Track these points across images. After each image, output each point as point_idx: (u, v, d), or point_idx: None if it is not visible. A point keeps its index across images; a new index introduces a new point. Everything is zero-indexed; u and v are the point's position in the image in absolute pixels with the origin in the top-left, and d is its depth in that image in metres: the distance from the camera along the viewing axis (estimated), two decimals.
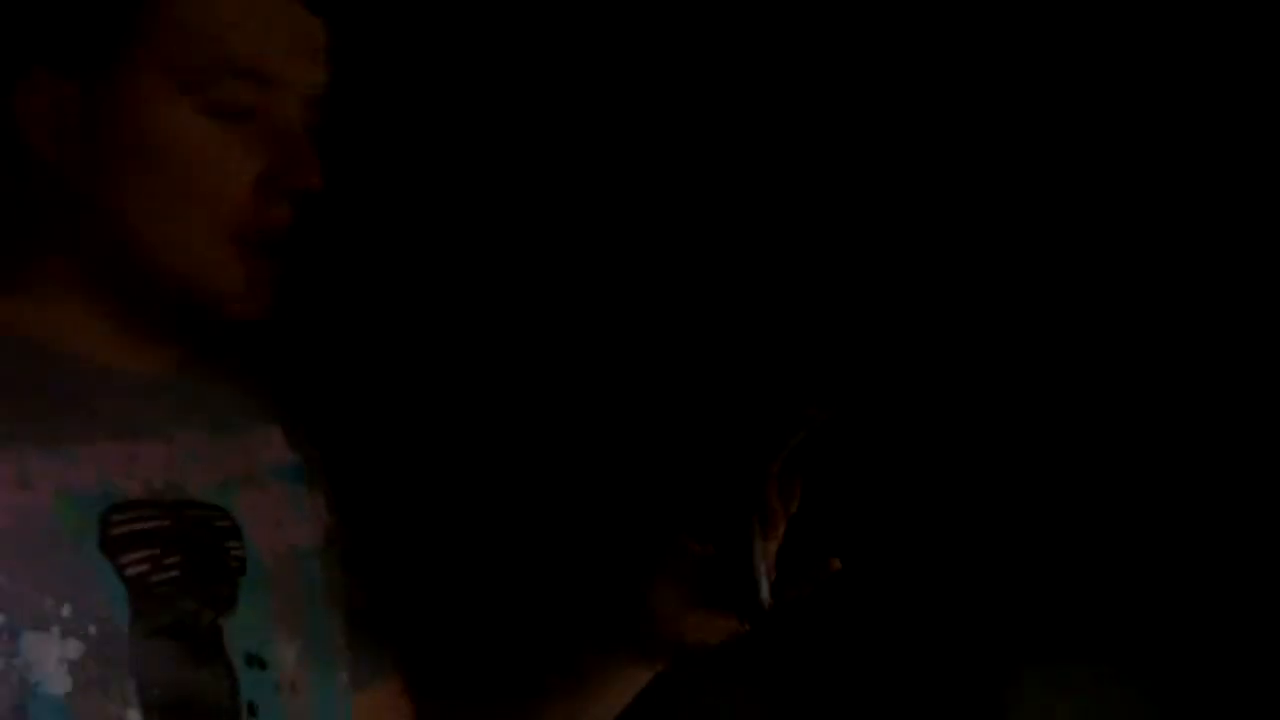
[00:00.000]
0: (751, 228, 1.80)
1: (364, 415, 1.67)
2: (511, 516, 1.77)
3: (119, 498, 1.02)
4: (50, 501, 0.98)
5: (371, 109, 1.62)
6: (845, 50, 1.79)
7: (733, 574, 1.13)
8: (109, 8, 1.03)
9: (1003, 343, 1.78)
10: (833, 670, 1.79)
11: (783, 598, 1.13)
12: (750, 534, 1.12)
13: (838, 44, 1.79)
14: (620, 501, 1.72)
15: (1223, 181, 1.75)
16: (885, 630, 1.79)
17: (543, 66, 1.82)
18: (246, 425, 1.17)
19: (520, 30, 1.81)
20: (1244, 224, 1.76)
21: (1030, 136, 1.78)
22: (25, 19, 1.04)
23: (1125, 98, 1.76)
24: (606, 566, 1.39)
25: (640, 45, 1.81)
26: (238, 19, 1.03)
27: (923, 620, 1.80)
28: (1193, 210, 1.76)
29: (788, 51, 1.80)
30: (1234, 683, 1.75)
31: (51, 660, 0.95)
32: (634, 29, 1.81)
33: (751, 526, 1.12)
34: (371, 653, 1.19)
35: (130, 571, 1.00)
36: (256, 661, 1.06)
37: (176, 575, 1.03)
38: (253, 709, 1.05)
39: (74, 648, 0.96)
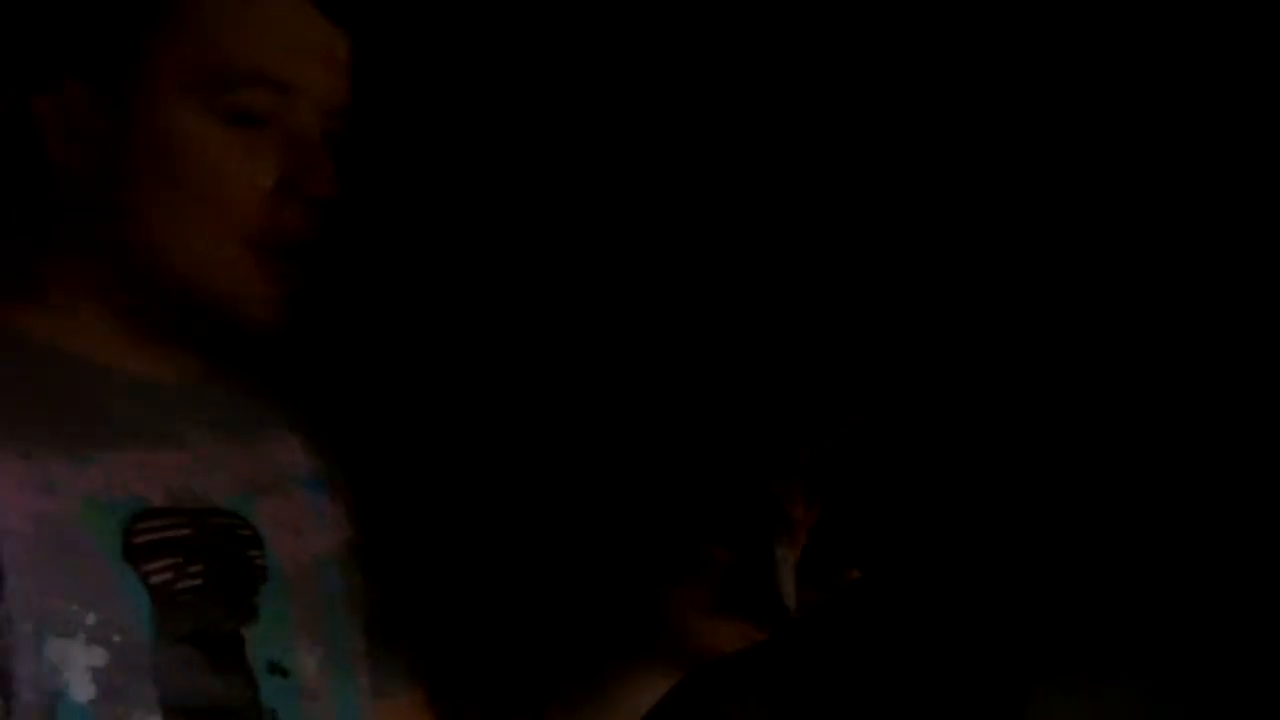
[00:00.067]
0: (781, 237, 1.80)
1: (384, 423, 1.68)
2: (531, 524, 1.77)
3: (142, 506, 1.02)
4: (75, 509, 0.99)
5: (390, 118, 1.62)
6: (869, 56, 1.79)
7: (755, 582, 1.13)
8: (126, 17, 1.04)
9: (1019, 360, 1.78)
10: (847, 679, 1.79)
11: (803, 606, 1.13)
12: (772, 543, 1.12)
13: (858, 49, 1.79)
14: (639, 508, 1.72)
15: (1224, 182, 1.75)
16: (901, 640, 1.79)
17: (562, 80, 1.82)
18: (267, 434, 1.18)
19: (538, 42, 1.81)
20: (1247, 226, 1.75)
21: (1053, 148, 1.78)
22: (44, 28, 1.05)
23: (1130, 102, 1.76)
24: (625, 573, 1.39)
25: (657, 58, 1.81)
26: (254, 27, 1.04)
27: (939, 631, 1.80)
28: (1200, 216, 1.76)
29: (810, 58, 1.80)
30: (1253, 695, 1.74)
31: (76, 667, 0.96)
32: (649, 40, 1.81)
33: (773, 535, 1.12)
34: (392, 661, 1.20)
35: (154, 579, 1.01)
36: (278, 669, 1.06)
37: (199, 583, 1.03)
38: (274, 717, 1.05)
39: (98, 655, 0.97)
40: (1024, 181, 1.79)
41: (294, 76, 1.05)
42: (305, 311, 1.10)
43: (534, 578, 1.75)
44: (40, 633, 0.95)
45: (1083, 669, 1.79)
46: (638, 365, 1.79)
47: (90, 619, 0.97)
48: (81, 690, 0.96)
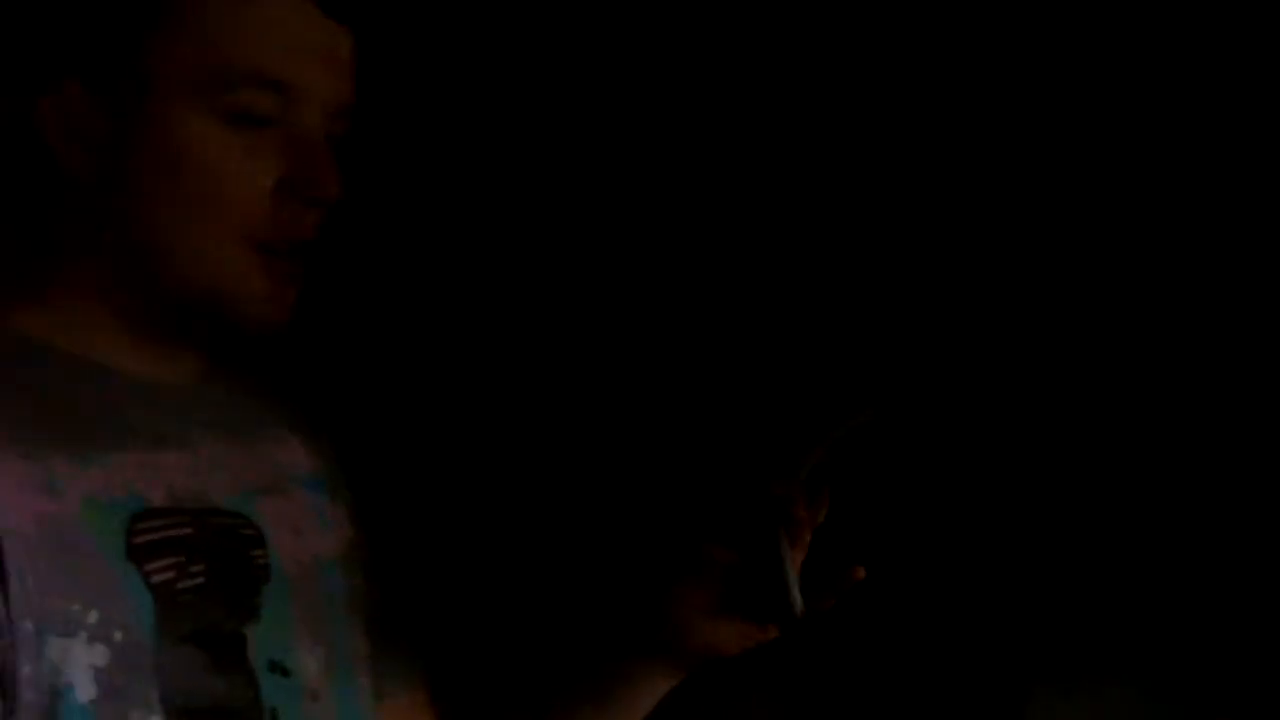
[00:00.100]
0: (789, 240, 1.80)
1: (386, 423, 1.68)
2: (534, 524, 1.77)
3: (143, 506, 1.02)
4: (78, 509, 0.99)
5: (393, 118, 1.62)
6: (877, 60, 1.79)
7: (761, 583, 1.13)
8: (127, 18, 1.04)
9: (1022, 361, 1.78)
10: (848, 679, 1.79)
11: (809, 607, 1.13)
12: (777, 544, 1.12)
13: (863, 52, 1.80)
14: (642, 508, 1.72)
15: (1225, 183, 1.75)
16: (902, 641, 1.79)
17: (566, 82, 1.82)
18: (269, 434, 1.18)
19: (541, 43, 1.81)
20: (1249, 227, 1.75)
21: (1057, 150, 1.78)
22: (47, 32, 1.05)
23: (1130, 102, 1.76)
24: (628, 573, 1.39)
25: (662, 60, 1.81)
26: (255, 27, 1.04)
27: (940, 631, 1.80)
28: (1201, 216, 1.76)
29: (819, 63, 1.80)
30: (1254, 697, 1.74)
31: (78, 667, 0.96)
32: (654, 41, 1.81)
33: (777, 536, 1.12)
34: (394, 662, 1.20)
35: (155, 579, 1.00)
36: (279, 669, 1.06)
37: (201, 583, 1.03)
38: (275, 717, 1.05)
39: (100, 654, 0.96)
40: (1027, 184, 1.79)
41: (295, 77, 1.05)
42: (307, 312, 1.10)
43: (536, 578, 1.75)
44: (42, 632, 0.95)
45: (1082, 669, 1.79)
46: (643, 364, 1.79)
47: (92, 618, 0.97)
48: (83, 690, 0.96)
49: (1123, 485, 1.78)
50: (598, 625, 1.24)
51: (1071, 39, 1.76)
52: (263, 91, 1.04)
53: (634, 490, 1.75)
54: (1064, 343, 1.80)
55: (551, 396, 1.81)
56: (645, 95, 1.82)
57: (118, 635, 0.97)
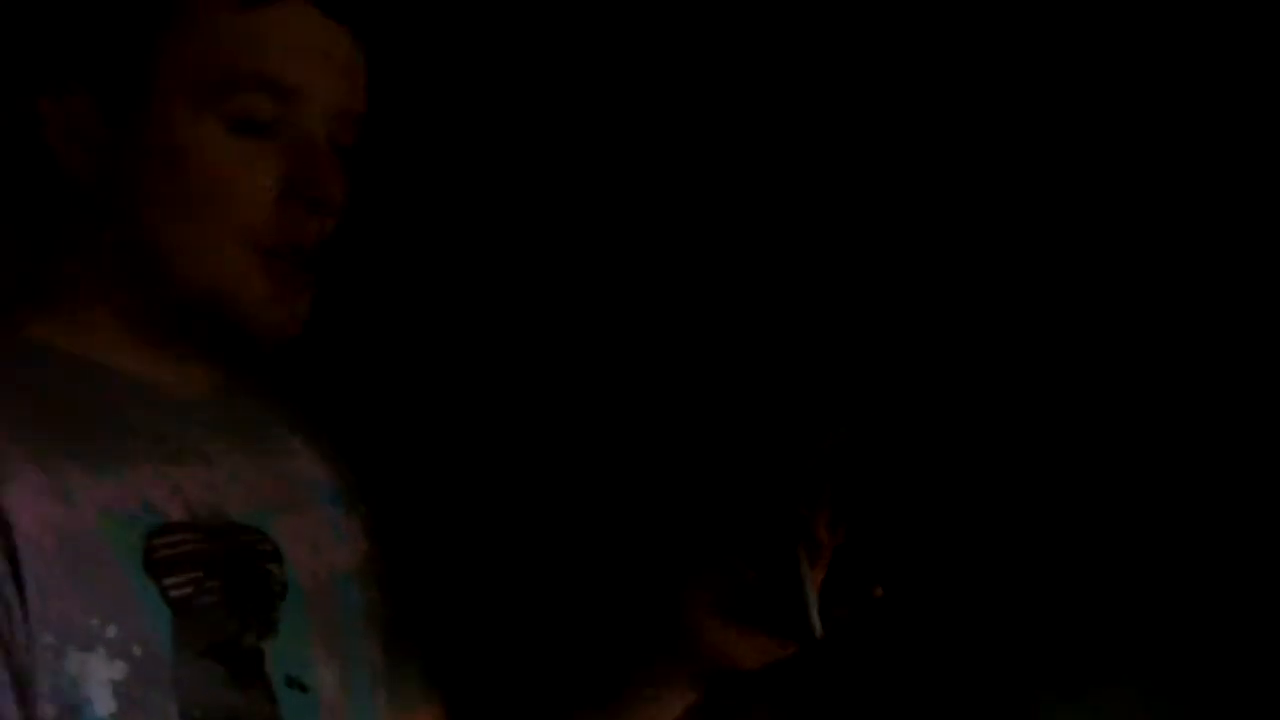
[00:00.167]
0: (803, 252, 1.80)
1: (402, 438, 1.67)
2: (550, 537, 1.77)
3: (161, 519, 1.02)
4: (94, 521, 0.99)
5: (405, 126, 1.62)
6: (878, 67, 1.79)
7: (779, 600, 1.13)
8: (131, 23, 1.04)
9: (1026, 374, 1.78)
10: (853, 688, 1.79)
11: (827, 625, 1.13)
12: (797, 562, 1.12)
13: (867, 59, 1.79)
14: (661, 522, 1.72)
15: (1225, 183, 1.75)
16: (907, 650, 1.79)
17: (577, 91, 1.82)
18: (285, 448, 1.18)
19: (548, 51, 1.81)
20: (1248, 227, 1.75)
21: (1067, 160, 1.78)
22: (50, 38, 1.05)
23: (1131, 102, 1.76)
24: (647, 587, 1.39)
25: (670, 71, 1.81)
26: (258, 33, 1.04)
27: (945, 640, 1.80)
28: (1201, 216, 1.76)
29: (820, 67, 1.80)
30: (1257, 702, 1.74)
31: (97, 680, 0.96)
32: (662, 52, 1.81)
33: (798, 555, 1.12)
34: (410, 675, 1.20)
35: (174, 593, 1.00)
36: (297, 684, 1.06)
37: (219, 598, 1.03)
38: None
39: (119, 668, 0.96)
40: (1033, 195, 1.78)
41: (297, 81, 1.05)
42: (321, 325, 1.10)
43: (553, 591, 1.75)
44: (61, 646, 0.95)
45: (1086, 676, 1.79)
46: (665, 377, 1.79)
47: (111, 632, 0.97)
48: (102, 704, 0.96)
49: (1125, 492, 1.78)
50: (615, 638, 1.23)
51: (1062, 34, 1.76)
52: (264, 95, 1.03)
53: (654, 503, 1.75)
54: (1068, 353, 1.80)
55: (570, 408, 1.80)
56: (659, 107, 1.82)
57: (136, 649, 0.97)
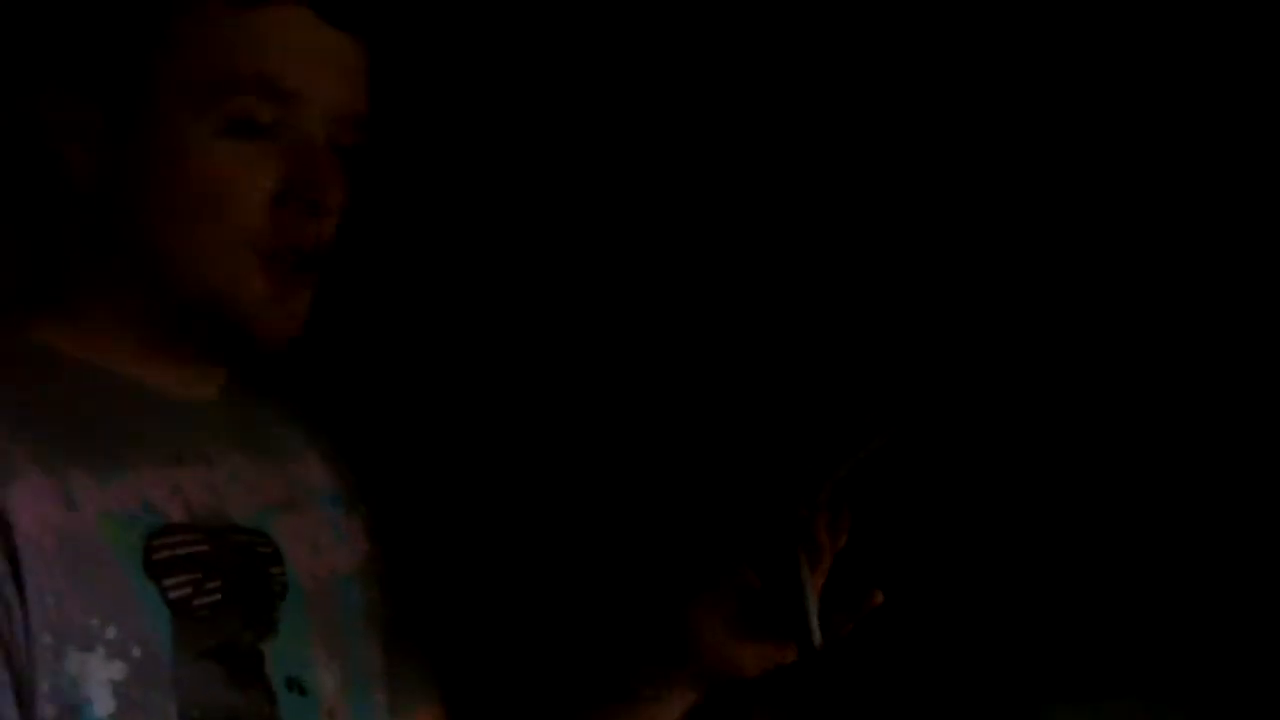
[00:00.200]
0: (816, 262, 1.80)
1: (403, 439, 1.67)
2: (553, 541, 1.77)
3: (161, 520, 1.02)
4: (95, 523, 0.99)
5: (405, 126, 1.62)
6: (889, 75, 1.79)
7: (780, 605, 1.13)
8: (130, 28, 1.04)
9: (1031, 386, 1.78)
10: (855, 696, 1.79)
11: (827, 631, 1.13)
12: (798, 568, 1.12)
13: (875, 62, 1.79)
14: (664, 527, 1.72)
15: (1225, 183, 1.75)
16: (912, 658, 1.79)
17: (578, 93, 1.82)
18: (285, 450, 1.18)
19: (552, 54, 1.81)
20: (1248, 227, 1.75)
21: (1063, 158, 1.78)
22: (51, 40, 1.05)
23: (1131, 102, 1.76)
24: (649, 591, 1.39)
25: (679, 75, 1.81)
26: (257, 36, 1.04)
27: (950, 649, 1.79)
28: (1202, 217, 1.76)
29: (828, 76, 1.80)
30: (1260, 711, 1.74)
31: (97, 681, 0.96)
32: (671, 54, 1.81)
33: (800, 562, 1.12)
34: (411, 677, 1.20)
35: (173, 595, 1.00)
36: (296, 686, 1.06)
37: (219, 599, 1.03)
38: None
39: (119, 669, 0.96)
40: (1045, 206, 1.78)
41: (299, 83, 1.04)
42: (323, 327, 1.10)
43: (555, 595, 1.75)
44: (60, 646, 0.95)
45: (1089, 685, 1.79)
46: (668, 382, 1.79)
47: (110, 633, 0.97)
48: (101, 704, 0.96)
49: (1129, 501, 1.78)
50: (616, 642, 1.23)
51: (1062, 35, 1.76)
52: (263, 98, 1.03)
53: (656, 507, 1.75)
54: (1074, 359, 1.80)
55: (573, 413, 1.80)
56: (667, 112, 1.82)
57: (136, 650, 0.97)
